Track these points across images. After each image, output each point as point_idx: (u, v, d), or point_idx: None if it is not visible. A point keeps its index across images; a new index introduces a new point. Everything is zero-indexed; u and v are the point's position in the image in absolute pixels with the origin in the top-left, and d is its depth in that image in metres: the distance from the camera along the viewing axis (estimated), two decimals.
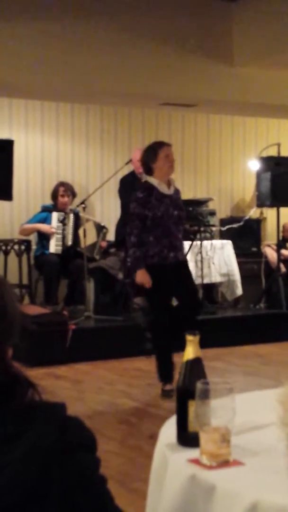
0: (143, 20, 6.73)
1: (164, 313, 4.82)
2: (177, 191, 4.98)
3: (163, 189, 4.82)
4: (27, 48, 6.30)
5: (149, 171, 4.89)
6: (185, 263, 5.03)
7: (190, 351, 1.64)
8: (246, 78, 7.20)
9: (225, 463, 1.49)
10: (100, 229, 7.02)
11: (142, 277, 4.73)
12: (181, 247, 4.95)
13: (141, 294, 7.03)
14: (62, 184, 7.11)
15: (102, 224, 7.11)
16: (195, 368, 1.64)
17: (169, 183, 4.89)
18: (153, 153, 4.82)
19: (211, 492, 1.41)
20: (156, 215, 4.74)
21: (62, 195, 7.03)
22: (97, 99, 7.57)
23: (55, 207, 7.06)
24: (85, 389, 5.19)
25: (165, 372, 4.88)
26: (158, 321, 4.86)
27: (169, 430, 1.69)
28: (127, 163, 6.96)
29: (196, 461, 1.50)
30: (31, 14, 6.29)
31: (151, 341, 5.11)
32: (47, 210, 7.05)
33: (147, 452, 3.58)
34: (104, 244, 7.08)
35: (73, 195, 7.12)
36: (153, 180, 4.83)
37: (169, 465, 1.55)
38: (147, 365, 5.67)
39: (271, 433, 1.67)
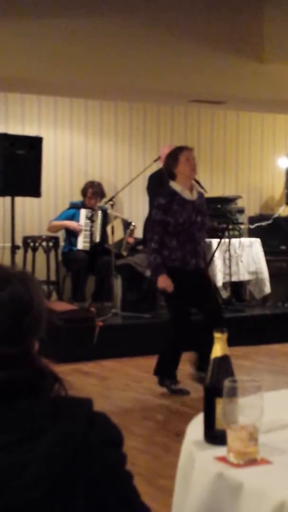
0: (173, 17, 6.70)
1: (182, 316, 4.83)
2: (200, 195, 4.96)
3: (186, 194, 4.81)
4: (57, 45, 6.32)
5: (171, 176, 4.88)
6: (204, 271, 5.01)
7: (218, 349, 1.64)
8: (276, 75, 7.14)
9: (252, 461, 1.48)
10: (127, 225, 7.03)
11: (163, 282, 4.74)
12: (202, 255, 4.94)
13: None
14: (92, 185, 7.11)
15: (129, 221, 7.11)
16: (223, 365, 1.63)
17: (191, 188, 4.87)
18: (174, 158, 4.82)
19: (238, 490, 1.41)
20: (178, 222, 4.74)
21: (90, 197, 7.06)
22: (126, 96, 7.57)
23: (83, 204, 7.08)
24: (112, 386, 5.20)
25: (167, 370, 4.92)
26: (176, 324, 4.86)
27: (196, 427, 1.68)
28: (155, 160, 6.95)
29: (223, 459, 1.49)
30: (63, 10, 6.30)
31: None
32: (75, 207, 7.08)
33: (174, 449, 3.58)
34: (131, 240, 7.08)
35: (102, 196, 7.13)
36: (175, 186, 4.82)
37: (196, 463, 1.55)
38: None
39: None
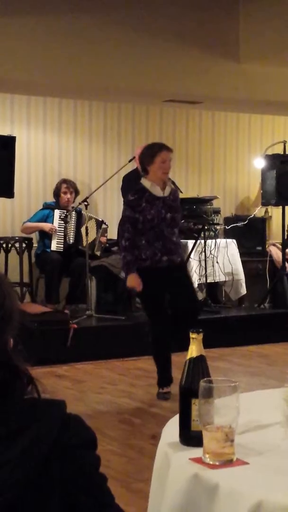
0: (148, 17, 6.69)
1: (158, 316, 4.77)
2: (174, 192, 4.89)
3: (156, 191, 4.75)
4: (29, 44, 6.26)
5: (144, 171, 4.83)
6: (181, 266, 4.95)
7: (194, 349, 1.63)
8: (252, 75, 7.15)
9: (228, 462, 1.47)
10: (99, 225, 6.98)
11: (132, 281, 4.71)
12: (176, 250, 4.84)
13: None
14: (64, 181, 7.07)
15: (101, 220, 7.06)
16: (199, 366, 1.63)
17: (164, 185, 4.82)
18: (150, 155, 4.75)
19: (214, 491, 1.39)
20: (146, 218, 4.69)
21: (64, 192, 6.99)
22: (101, 96, 7.54)
23: (57, 205, 7.02)
24: (87, 388, 5.16)
25: (163, 376, 4.86)
26: (153, 325, 4.80)
27: (171, 429, 1.67)
28: (130, 161, 6.92)
29: (199, 460, 1.48)
30: (33, 9, 6.26)
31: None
32: (49, 207, 7.01)
33: (149, 452, 3.55)
34: (104, 240, 7.04)
35: (76, 192, 7.08)
36: (145, 182, 4.78)
37: (172, 464, 1.53)
38: (150, 365, 5.62)
39: (275, 433, 1.65)
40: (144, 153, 4.84)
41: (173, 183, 7.25)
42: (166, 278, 4.74)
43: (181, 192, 6.76)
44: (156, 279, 4.71)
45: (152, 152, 4.75)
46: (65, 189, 6.97)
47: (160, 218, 4.72)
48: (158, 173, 4.73)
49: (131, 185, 6.91)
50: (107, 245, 7.23)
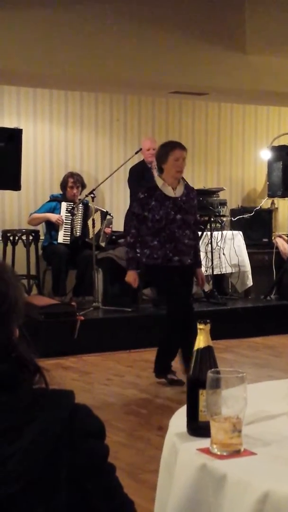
0: (154, 8, 6.66)
1: (179, 303, 4.73)
2: (187, 193, 4.84)
3: (167, 191, 4.73)
4: (35, 36, 6.25)
5: (159, 169, 4.84)
6: (190, 269, 4.92)
7: (201, 340, 1.63)
8: (258, 66, 7.12)
9: (236, 452, 1.47)
10: (104, 216, 6.97)
11: (130, 278, 4.81)
12: (187, 252, 4.83)
13: (150, 285, 7.02)
14: (71, 175, 7.05)
15: (105, 210, 7.06)
16: (206, 357, 1.62)
17: (177, 185, 4.78)
18: (164, 153, 4.75)
19: (221, 482, 1.40)
20: (155, 218, 4.68)
21: (71, 186, 6.98)
22: (107, 88, 7.52)
23: (64, 197, 7.02)
24: (94, 380, 5.18)
25: (165, 365, 4.88)
26: (173, 312, 4.79)
27: (179, 420, 1.67)
28: (137, 153, 6.91)
29: (207, 451, 1.48)
30: (39, 1, 6.24)
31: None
32: (56, 200, 7.02)
33: (156, 443, 3.56)
34: (108, 231, 7.02)
35: (83, 186, 7.07)
36: (158, 180, 4.78)
37: (179, 455, 1.53)
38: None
39: (283, 423, 1.65)
40: (159, 151, 4.85)
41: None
42: (178, 275, 4.76)
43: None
44: (169, 272, 4.74)
45: (166, 151, 4.75)
46: (71, 183, 6.96)
47: (169, 220, 4.70)
48: (171, 171, 4.71)
49: (136, 177, 6.93)
50: (113, 237, 7.22)
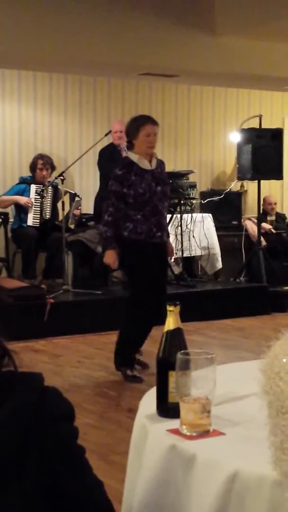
0: None
1: (146, 292, 4.53)
2: (160, 163, 4.72)
3: (144, 164, 4.57)
4: (3, 16, 6.15)
5: (129, 143, 4.71)
6: (165, 245, 4.78)
7: (171, 322, 1.63)
8: (228, 48, 7.12)
9: (205, 433, 1.48)
10: (73, 197, 6.92)
11: (109, 257, 4.57)
12: (166, 227, 4.76)
13: (121, 266, 7.00)
14: (41, 156, 6.99)
15: (74, 192, 7.01)
16: (176, 338, 1.63)
17: (151, 157, 4.64)
18: (135, 128, 4.58)
19: (191, 462, 1.41)
20: (138, 192, 4.51)
21: (40, 168, 6.92)
22: (76, 69, 7.45)
23: (33, 179, 6.96)
24: (64, 363, 5.17)
25: (129, 357, 4.68)
26: (137, 300, 4.60)
27: (148, 401, 1.67)
28: (106, 135, 6.87)
29: (176, 431, 1.49)
30: None
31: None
32: (25, 182, 6.95)
33: (126, 425, 3.58)
34: (77, 212, 6.97)
35: (52, 168, 7.01)
36: (132, 156, 4.59)
37: (149, 436, 1.54)
38: None
39: (251, 404, 1.66)
40: (129, 125, 4.67)
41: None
42: (157, 255, 4.64)
43: None
44: (149, 253, 4.56)
45: (137, 125, 4.59)
46: (41, 165, 6.90)
47: (152, 192, 4.56)
48: (142, 147, 4.56)
49: (106, 159, 6.89)
50: (83, 219, 7.19)
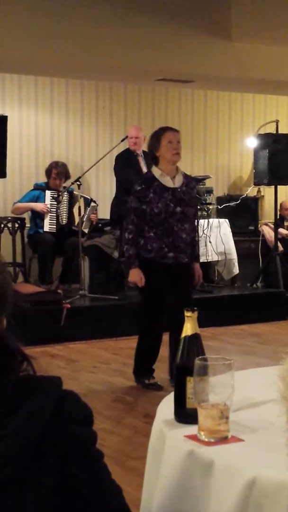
0: None
1: (153, 309, 4.48)
2: (187, 183, 4.53)
3: (166, 181, 4.42)
4: (19, 22, 6.19)
5: (154, 160, 4.51)
6: (186, 266, 4.54)
7: (189, 328, 1.63)
8: (244, 53, 7.11)
9: (223, 439, 1.48)
10: (88, 203, 6.91)
11: (134, 276, 4.45)
12: (184, 249, 4.49)
13: None
14: (56, 165, 6.96)
15: (90, 198, 7.01)
16: (194, 344, 1.63)
17: (175, 174, 4.47)
18: (156, 139, 4.45)
19: (209, 468, 1.40)
20: (153, 211, 4.37)
21: (54, 178, 6.93)
22: (92, 75, 7.48)
23: (47, 186, 6.97)
24: (80, 368, 5.18)
25: (141, 369, 4.63)
26: (146, 316, 4.55)
27: (166, 407, 1.67)
28: (122, 140, 6.88)
29: (194, 437, 1.48)
30: None
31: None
32: (39, 188, 6.97)
33: (143, 430, 3.57)
34: (94, 217, 6.95)
35: (66, 177, 6.99)
36: (155, 171, 4.44)
37: (167, 442, 1.53)
38: None
39: (270, 410, 1.65)
40: (150, 141, 4.54)
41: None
42: (168, 274, 4.46)
43: None
44: (158, 272, 4.43)
45: (157, 136, 4.46)
46: (54, 175, 6.90)
47: (168, 213, 4.40)
48: (167, 155, 4.39)
49: (122, 164, 6.91)
50: (100, 225, 7.20)
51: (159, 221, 4.41)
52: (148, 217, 4.40)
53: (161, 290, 4.49)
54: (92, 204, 6.96)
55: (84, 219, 6.80)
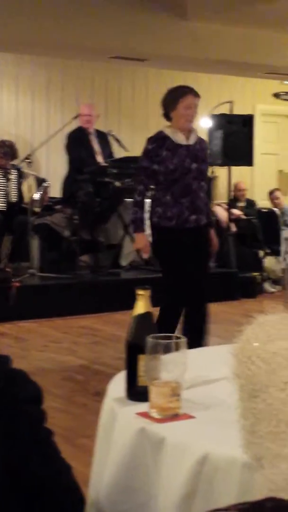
0: None
1: (177, 284, 4.13)
2: (201, 140, 4.26)
3: (179, 138, 4.11)
4: None
5: (166, 117, 4.21)
6: (205, 232, 4.23)
7: (141, 306, 1.63)
8: (199, 33, 7.08)
9: (174, 416, 1.47)
10: (40, 182, 6.82)
11: (139, 242, 4.18)
12: (203, 209, 4.19)
13: (88, 252, 6.96)
14: (2, 144, 6.78)
15: (42, 177, 6.91)
16: (146, 322, 1.63)
17: (189, 132, 4.18)
18: (173, 99, 4.13)
19: (160, 445, 1.40)
20: (168, 169, 4.05)
21: (0, 157, 6.76)
22: (45, 51, 7.34)
23: None
24: (30, 346, 5.14)
25: None
26: (168, 301, 4.14)
27: (117, 385, 1.66)
28: (74, 118, 6.80)
29: (145, 415, 1.48)
30: None
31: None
32: None
33: (93, 409, 3.56)
34: (45, 197, 6.84)
35: (13, 157, 6.83)
36: (166, 130, 4.15)
37: (118, 419, 1.53)
38: (93, 323, 5.63)
39: (222, 388, 1.65)
40: (167, 97, 4.21)
41: (118, 140, 7.07)
42: (192, 243, 4.14)
43: (127, 150, 6.70)
44: (182, 243, 4.10)
45: (176, 96, 4.13)
46: (1, 154, 6.73)
47: (185, 169, 4.07)
48: (180, 121, 4.10)
49: (74, 143, 6.82)
50: (50, 203, 7.12)
51: (174, 179, 4.09)
52: (162, 177, 4.09)
53: (184, 262, 4.13)
54: (44, 184, 6.87)
55: (36, 198, 6.70)
